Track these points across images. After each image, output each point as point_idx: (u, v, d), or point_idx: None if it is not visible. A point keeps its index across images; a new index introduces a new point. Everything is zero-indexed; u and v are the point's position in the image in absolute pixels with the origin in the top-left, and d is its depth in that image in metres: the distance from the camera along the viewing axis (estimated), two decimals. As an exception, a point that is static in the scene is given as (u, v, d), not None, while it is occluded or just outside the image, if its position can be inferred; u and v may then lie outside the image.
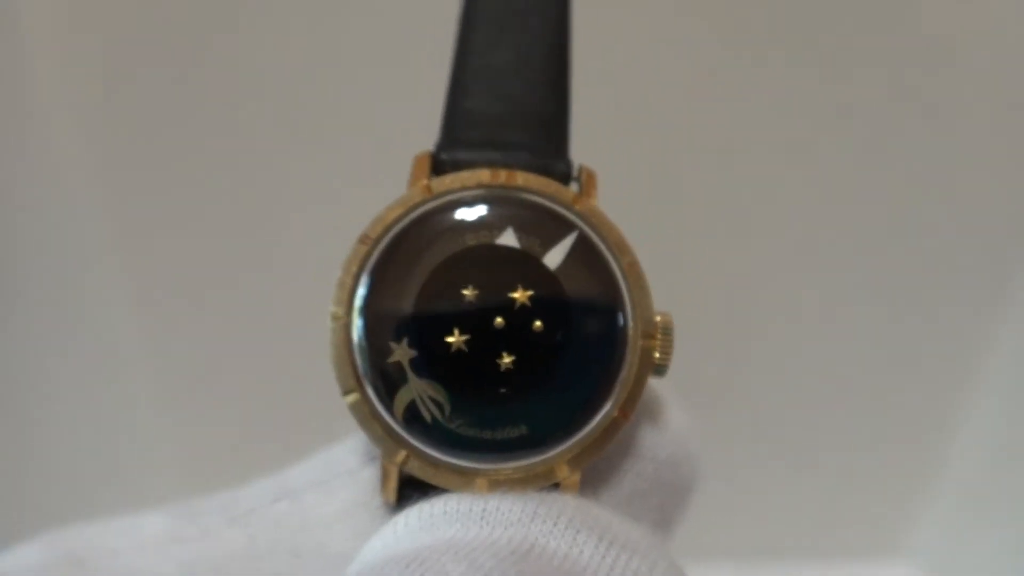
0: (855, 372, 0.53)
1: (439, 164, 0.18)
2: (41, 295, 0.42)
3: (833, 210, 0.49)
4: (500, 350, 0.17)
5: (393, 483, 0.17)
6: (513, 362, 0.17)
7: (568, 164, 0.19)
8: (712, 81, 0.46)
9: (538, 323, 0.17)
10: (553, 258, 0.17)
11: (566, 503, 0.16)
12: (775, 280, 0.50)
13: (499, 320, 0.17)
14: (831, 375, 0.53)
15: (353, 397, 0.17)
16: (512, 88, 0.19)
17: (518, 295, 0.17)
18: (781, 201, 0.49)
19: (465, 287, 0.17)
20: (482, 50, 0.19)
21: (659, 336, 0.17)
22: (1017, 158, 0.49)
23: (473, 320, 0.16)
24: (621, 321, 0.17)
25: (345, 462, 0.18)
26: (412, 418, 0.17)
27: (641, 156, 0.46)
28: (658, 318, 0.17)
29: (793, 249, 0.50)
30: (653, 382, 0.19)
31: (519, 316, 0.17)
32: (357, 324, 0.17)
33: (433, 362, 0.17)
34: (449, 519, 0.16)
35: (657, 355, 0.17)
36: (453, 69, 0.20)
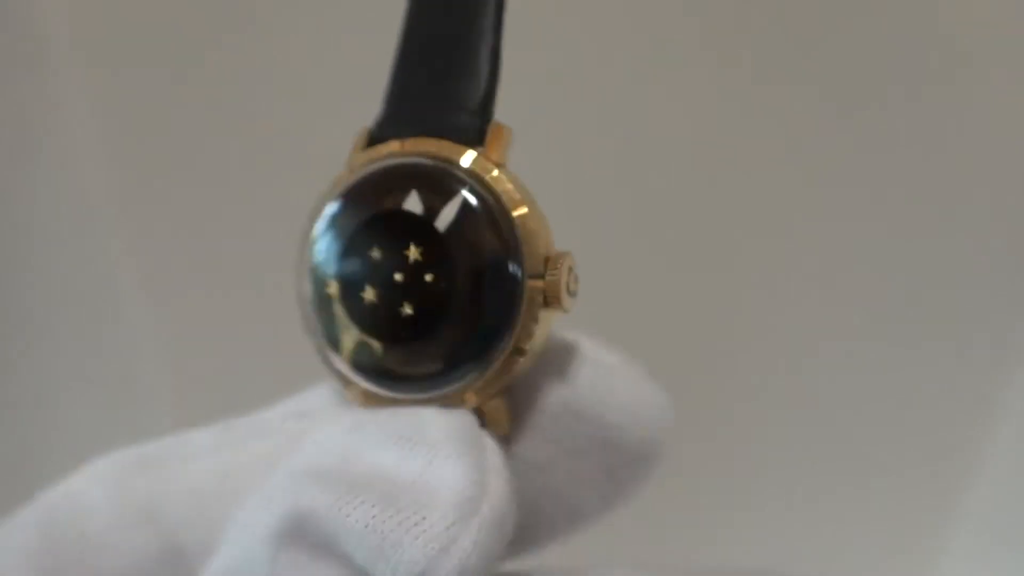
0: (881, 394, 0.50)
1: (373, 139, 0.21)
2: (52, 293, 0.43)
3: (855, 233, 0.47)
4: (402, 301, 0.19)
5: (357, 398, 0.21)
6: (413, 310, 0.19)
7: (475, 116, 0.20)
8: (712, 90, 0.44)
9: (429, 276, 0.19)
10: (446, 216, 0.20)
11: (409, 419, 0.19)
12: (793, 300, 0.48)
13: (398, 276, 0.19)
14: (857, 396, 0.50)
15: (315, 341, 0.20)
16: (438, 60, 0.21)
17: (411, 252, 0.19)
18: (796, 222, 0.46)
19: (371, 249, 0.20)
20: (417, 24, 0.21)
21: (546, 274, 0.19)
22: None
23: (379, 277, 0.20)
24: (509, 268, 0.19)
25: (333, 394, 0.22)
26: (357, 360, 0.20)
27: (648, 168, 0.44)
28: (547, 256, 0.19)
29: (822, 265, 0.48)
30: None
31: (414, 270, 0.19)
32: (307, 280, 0.20)
33: (356, 313, 0.20)
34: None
35: (545, 290, 0.19)
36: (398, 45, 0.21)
